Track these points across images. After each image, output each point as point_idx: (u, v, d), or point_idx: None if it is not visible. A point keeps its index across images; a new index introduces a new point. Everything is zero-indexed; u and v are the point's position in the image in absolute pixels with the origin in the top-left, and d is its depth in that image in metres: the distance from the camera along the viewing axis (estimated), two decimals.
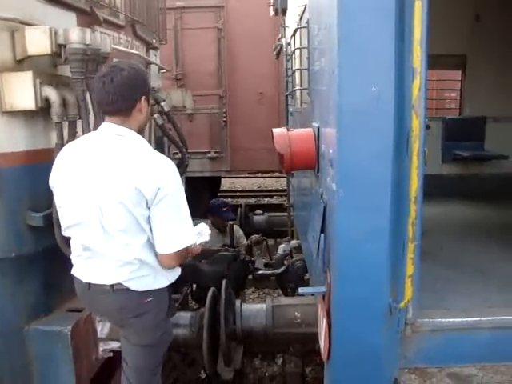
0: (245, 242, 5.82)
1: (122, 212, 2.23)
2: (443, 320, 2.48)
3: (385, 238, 2.16)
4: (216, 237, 5.47)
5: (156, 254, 2.36)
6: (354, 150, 2.11)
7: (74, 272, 2.51)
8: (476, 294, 2.85)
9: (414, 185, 2.11)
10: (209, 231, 2.65)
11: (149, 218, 2.27)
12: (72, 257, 2.51)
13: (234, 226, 5.60)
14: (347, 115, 2.08)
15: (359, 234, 2.17)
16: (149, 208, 2.24)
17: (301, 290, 2.65)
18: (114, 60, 3.73)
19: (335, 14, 2.05)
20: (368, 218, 2.15)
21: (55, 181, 2.42)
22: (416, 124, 2.06)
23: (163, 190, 2.21)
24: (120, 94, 2.25)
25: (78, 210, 2.31)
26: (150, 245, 2.34)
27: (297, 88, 4.24)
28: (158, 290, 2.43)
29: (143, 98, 2.35)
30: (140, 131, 2.42)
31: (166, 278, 2.46)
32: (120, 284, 2.33)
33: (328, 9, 2.31)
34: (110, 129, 2.32)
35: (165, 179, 2.23)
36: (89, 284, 2.41)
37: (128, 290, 2.34)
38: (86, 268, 2.43)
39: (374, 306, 2.26)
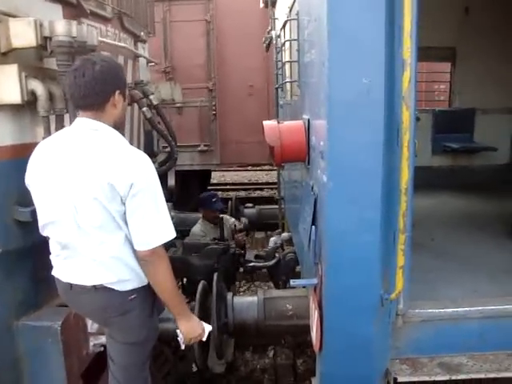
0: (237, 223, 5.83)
1: (97, 208, 2.17)
2: (434, 310, 2.50)
3: (376, 229, 2.17)
4: (211, 229, 5.45)
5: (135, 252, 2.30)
6: (345, 141, 2.11)
7: (54, 273, 2.45)
8: (466, 285, 2.88)
9: (405, 176, 2.12)
10: (210, 328, 2.66)
11: (125, 213, 2.21)
12: (51, 257, 2.45)
13: (224, 217, 5.62)
14: (338, 107, 2.08)
15: (350, 226, 2.17)
16: (124, 204, 2.18)
17: (292, 281, 2.66)
18: (102, 53, 3.71)
19: (325, 6, 2.04)
20: (359, 209, 2.15)
21: (30, 179, 2.37)
22: (406, 116, 2.06)
23: (136, 185, 2.15)
24: (91, 89, 2.19)
25: (53, 207, 2.26)
26: (129, 242, 2.27)
27: (287, 80, 4.22)
28: (141, 287, 2.37)
29: (117, 92, 2.28)
30: (116, 126, 2.35)
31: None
32: (102, 284, 2.29)
33: (318, 0, 2.30)
34: (84, 123, 2.26)
35: (138, 174, 2.17)
36: (70, 284, 2.36)
37: (111, 289, 2.30)
38: (66, 268, 2.37)
39: (366, 297, 2.27)
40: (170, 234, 2.30)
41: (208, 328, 2.63)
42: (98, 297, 2.32)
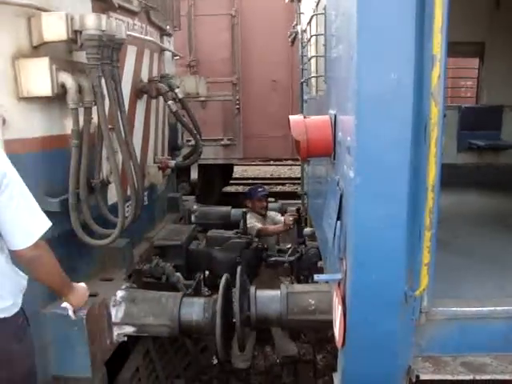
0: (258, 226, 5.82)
1: None
2: (458, 309, 2.47)
3: (402, 225, 2.15)
4: (259, 222, 5.47)
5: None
6: (372, 137, 2.10)
7: None
8: (490, 284, 2.84)
9: (432, 173, 2.10)
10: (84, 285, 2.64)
11: None
12: None
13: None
14: (365, 102, 2.07)
15: (376, 222, 2.16)
16: None
17: (316, 276, 2.66)
18: (128, 46, 3.75)
19: (355, 1, 2.03)
20: (385, 205, 2.14)
21: None
22: (435, 112, 2.04)
23: (8, 174, 1.96)
24: None
25: None
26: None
27: (313, 75, 4.21)
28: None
29: None
30: None
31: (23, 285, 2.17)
32: None
33: None
34: None
35: (6, 164, 1.99)
36: None
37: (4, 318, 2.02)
38: None
39: (390, 293, 2.26)
40: (47, 222, 2.12)
41: (83, 284, 2.64)
42: None
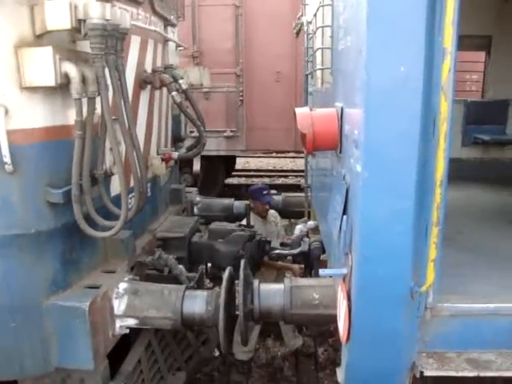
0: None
1: None
2: (463, 305, 2.46)
3: (409, 221, 2.13)
4: (260, 224, 5.38)
5: None
6: (380, 131, 2.07)
7: None
8: (495, 280, 2.82)
9: (440, 168, 2.07)
10: None
11: None
12: None
13: (270, 211, 5.55)
14: (374, 96, 2.04)
15: (383, 217, 2.14)
16: None
17: (321, 271, 2.64)
18: (132, 36, 3.71)
19: None
20: (392, 200, 2.12)
21: None
22: (445, 106, 2.01)
23: None
24: None
25: None
26: None
27: (318, 67, 4.17)
28: None
29: None
30: None
31: None
32: None
33: None
34: None
35: None
36: None
37: None
38: None
39: (396, 289, 2.24)
40: None
41: None
42: None
